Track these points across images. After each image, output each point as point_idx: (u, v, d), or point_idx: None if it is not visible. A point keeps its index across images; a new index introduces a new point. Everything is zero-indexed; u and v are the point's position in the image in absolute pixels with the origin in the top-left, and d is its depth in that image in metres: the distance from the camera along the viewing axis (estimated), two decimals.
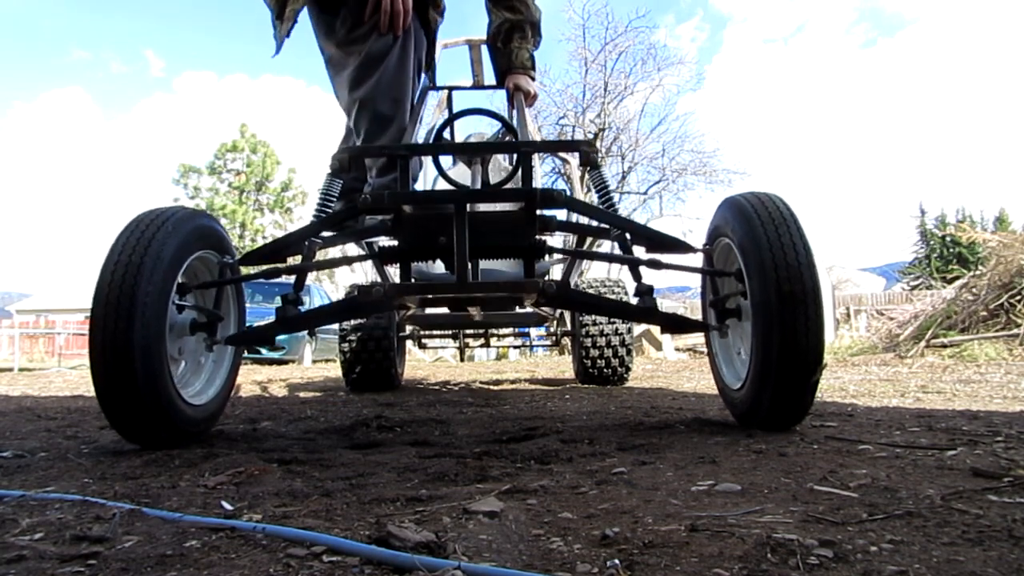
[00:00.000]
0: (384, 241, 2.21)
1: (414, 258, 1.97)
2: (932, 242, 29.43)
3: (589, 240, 2.54)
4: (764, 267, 1.67)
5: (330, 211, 2.11)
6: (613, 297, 4.08)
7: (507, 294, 2.14)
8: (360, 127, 2.27)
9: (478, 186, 2.11)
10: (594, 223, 2.14)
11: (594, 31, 19.67)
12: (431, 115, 3.36)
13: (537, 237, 1.94)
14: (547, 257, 2.36)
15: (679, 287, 21.95)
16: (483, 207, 2.02)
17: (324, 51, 2.35)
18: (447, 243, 1.83)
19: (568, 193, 2.09)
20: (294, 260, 2.05)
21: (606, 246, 2.46)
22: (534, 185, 2.00)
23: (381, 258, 2.11)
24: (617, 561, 0.82)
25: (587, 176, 2.32)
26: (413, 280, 2.08)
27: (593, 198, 2.53)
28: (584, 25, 19.31)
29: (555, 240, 3.22)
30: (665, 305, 17.94)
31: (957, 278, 7.11)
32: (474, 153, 2.21)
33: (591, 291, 4.15)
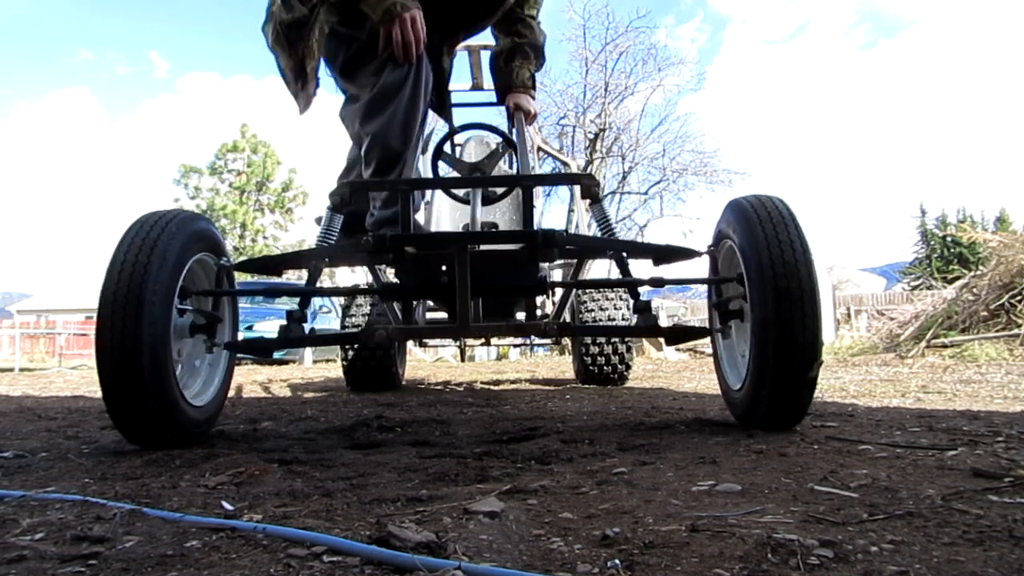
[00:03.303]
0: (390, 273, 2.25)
1: (417, 297, 1.99)
2: (933, 242, 29.42)
3: (588, 263, 2.59)
4: (761, 265, 1.68)
5: (332, 242, 2.12)
6: (613, 309, 4.10)
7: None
8: (371, 160, 2.26)
9: (479, 204, 2.12)
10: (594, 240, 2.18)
11: (595, 31, 19.70)
12: (432, 117, 3.37)
13: (539, 275, 1.97)
14: (546, 264, 2.38)
15: (681, 287, 21.93)
16: (485, 246, 2.03)
17: (338, 82, 2.34)
18: (448, 281, 1.84)
19: (567, 218, 2.15)
20: (288, 273, 2.08)
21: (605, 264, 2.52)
22: (536, 215, 2.03)
23: (383, 296, 2.14)
24: (618, 561, 0.82)
25: (589, 209, 2.35)
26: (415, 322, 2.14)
27: (594, 227, 2.56)
28: (585, 25, 19.34)
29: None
30: (667, 305, 17.97)
31: (958, 278, 7.11)
32: (475, 186, 2.21)
33: (592, 302, 4.17)
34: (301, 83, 2.23)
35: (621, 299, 4.15)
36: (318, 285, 2.16)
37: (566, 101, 19.90)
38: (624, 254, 2.06)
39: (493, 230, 2.06)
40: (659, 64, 19.96)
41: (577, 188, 2.45)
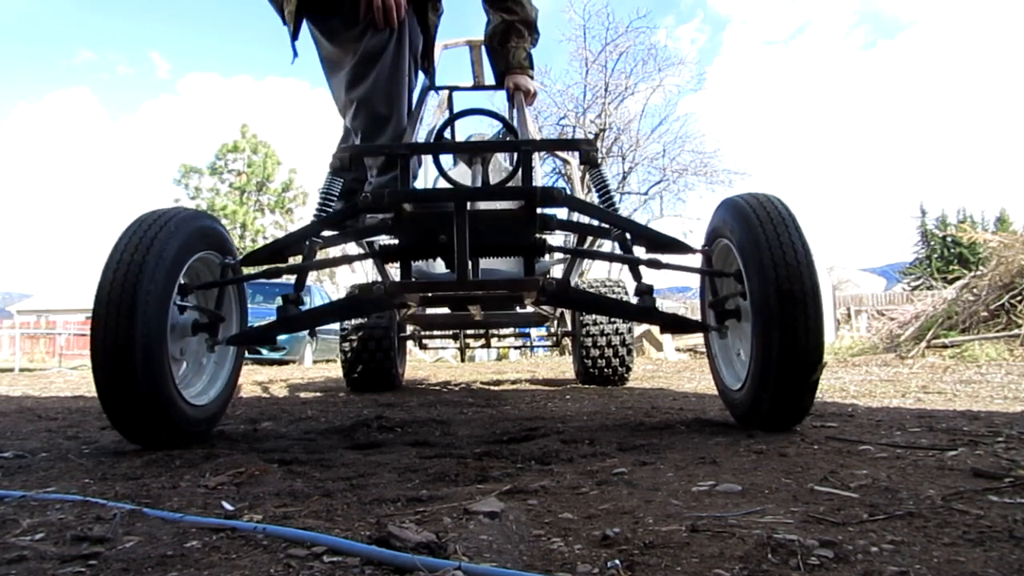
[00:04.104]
0: (385, 240, 2.21)
1: (414, 256, 1.97)
2: (933, 242, 29.41)
3: (589, 240, 2.55)
4: (763, 267, 1.67)
5: (330, 210, 2.11)
6: (613, 297, 4.09)
7: (507, 292, 2.14)
8: (358, 127, 2.26)
9: (479, 185, 2.11)
10: (595, 223, 2.15)
11: (595, 32, 19.69)
12: (432, 116, 3.36)
13: (537, 236, 1.94)
14: (547, 257, 2.36)
15: (679, 287, 21.92)
16: (483, 205, 2.02)
17: (320, 52, 2.34)
18: (447, 241, 1.83)
19: (568, 192, 2.10)
20: (295, 260, 2.05)
21: (606, 246, 2.46)
22: (534, 184, 2.00)
23: (382, 256, 2.11)
24: (618, 561, 0.82)
25: (587, 176, 2.33)
26: (413, 279, 2.09)
27: (593, 198, 2.53)
28: (585, 26, 19.33)
29: (555, 239, 3.23)
30: (665, 305, 17.94)
31: (958, 278, 7.11)
32: (474, 152, 2.21)
33: (591, 291, 4.15)
34: (287, 24, 2.23)
35: (622, 297, 4.15)
36: (319, 284, 2.15)
37: (566, 101, 19.93)
38: (627, 235, 2.04)
39: (492, 185, 2.03)
40: (659, 64, 19.98)
41: (577, 180, 2.44)
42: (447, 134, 2.87)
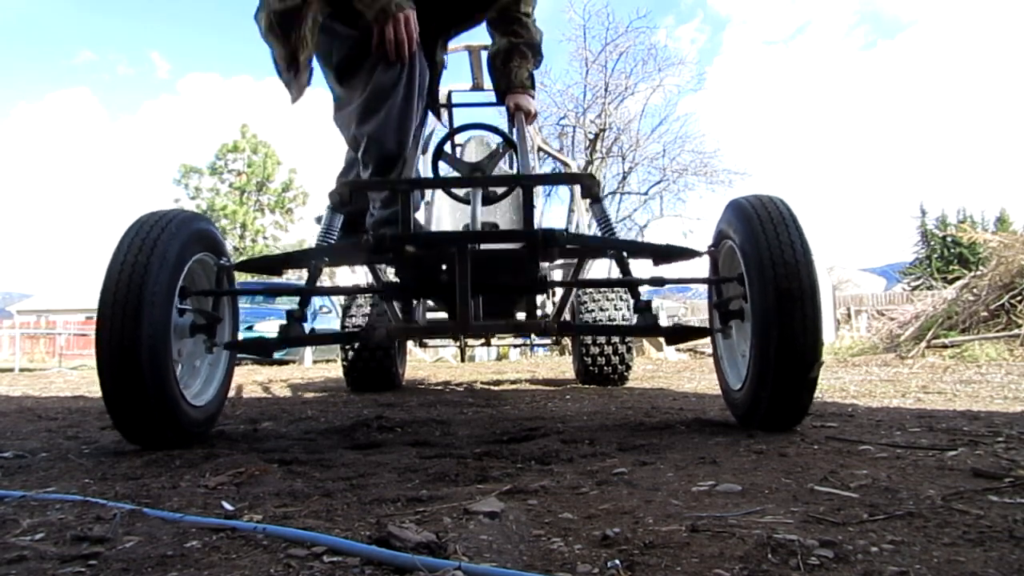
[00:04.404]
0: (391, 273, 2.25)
1: (417, 296, 2.00)
2: (933, 242, 29.40)
3: (589, 263, 2.60)
4: (762, 265, 1.68)
5: (332, 241, 2.12)
6: (613, 309, 4.11)
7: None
8: (368, 161, 2.25)
9: (479, 204, 2.12)
10: (596, 235, 2.18)
11: (595, 31, 19.66)
12: (432, 120, 3.36)
13: (539, 274, 1.98)
14: (547, 263, 2.37)
15: (681, 287, 21.93)
16: (486, 245, 2.03)
17: (329, 83, 2.34)
18: (449, 280, 1.85)
19: (567, 218, 2.15)
20: (288, 273, 2.08)
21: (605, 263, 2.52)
22: (536, 215, 2.03)
23: (384, 295, 2.14)
24: (618, 561, 0.82)
25: (590, 208, 2.36)
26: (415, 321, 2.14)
27: (594, 226, 2.56)
28: (585, 25, 19.31)
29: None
30: (667, 305, 17.97)
31: (958, 278, 7.11)
32: (475, 186, 2.21)
33: (593, 302, 4.17)
34: (294, 72, 2.22)
35: (621, 299, 4.15)
36: (318, 285, 2.16)
37: (566, 101, 19.90)
38: (624, 253, 2.06)
39: (494, 229, 2.07)
40: (659, 64, 19.95)
41: (577, 187, 2.45)
42: (447, 148, 2.89)
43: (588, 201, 2.31)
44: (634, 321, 2.00)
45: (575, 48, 19.73)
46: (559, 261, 3.18)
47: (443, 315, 3.58)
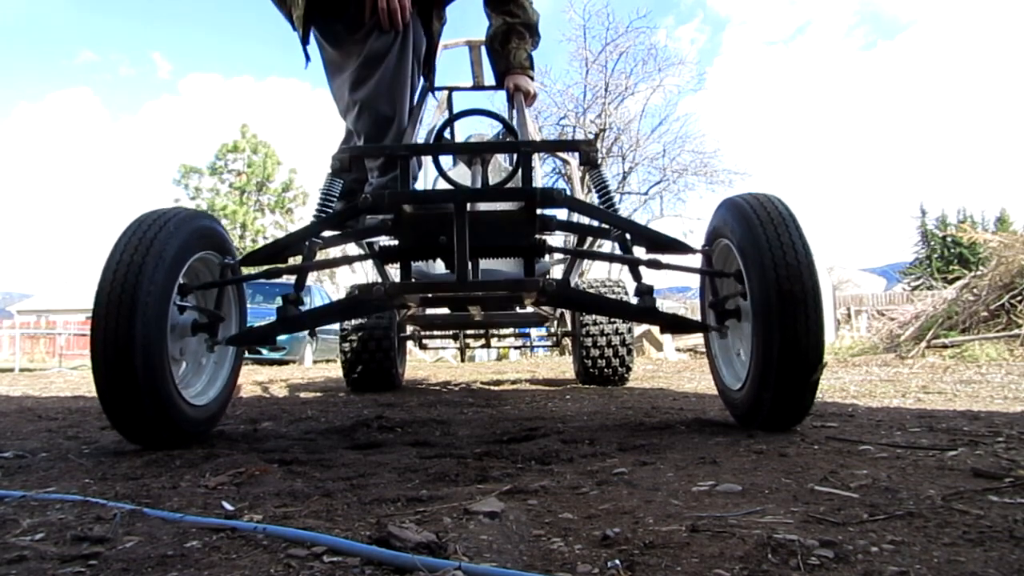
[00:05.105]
0: (385, 241, 2.21)
1: (414, 257, 1.97)
2: (933, 242, 29.41)
3: (589, 240, 2.55)
4: (764, 267, 1.68)
5: (331, 211, 2.11)
6: (613, 297, 4.09)
7: (507, 293, 2.14)
8: (360, 128, 2.26)
9: (478, 186, 2.12)
10: (595, 223, 2.15)
11: (595, 32, 19.66)
12: (431, 116, 3.36)
13: (537, 236, 1.94)
14: (547, 257, 2.35)
15: (679, 287, 21.92)
16: (483, 206, 2.02)
17: (324, 56, 2.35)
18: (447, 242, 1.83)
19: (568, 193, 2.10)
20: (295, 260, 2.05)
21: (606, 246, 2.46)
22: (534, 185, 2.01)
23: (381, 257, 2.11)
24: (618, 561, 0.82)
25: (587, 176, 2.33)
26: (413, 280, 2.09)
27: (593, 199, 2.53)
28: (585, 26, 19.31)
29: (555, 240, 3.23)
30: (666, 306, 17.94)
31: (958, 278, 7.11)
32: (474, 153, 2.21)
33: (591, 291, 4.15)
34: (296, 30, 2.24)
35: (622, 298, 4.15)
36: (319, 284, 2.15)
37: (566, 101, 19.91)
38: (627, 236, 2.04)
39: (492, 185, 2.04)
40: (659, 65, 19.95)
41: (577, 181, 2.43)
42: (447, 135, 2.88)
43: (587, 167, 2.28)
44: (634, 303, 1.97)
45: (575, 48, 19.75)
46: (559, 256, 3.18)
47: (444, 310, 3.58)
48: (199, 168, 28.26)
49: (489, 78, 3.25)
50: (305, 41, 2.26)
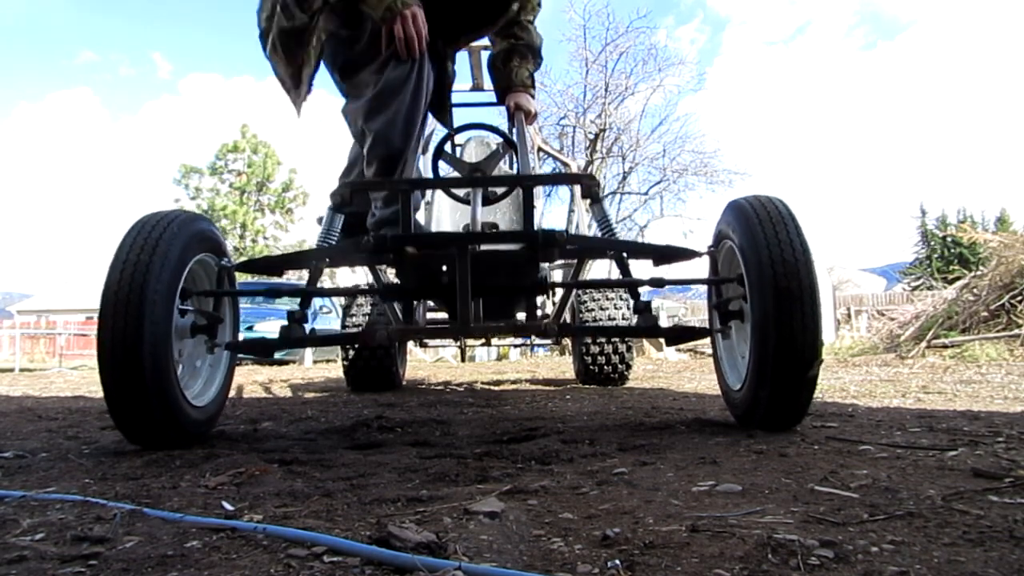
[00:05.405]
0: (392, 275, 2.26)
1: (417, 297, 2.00)
2: (933, 242, 29.40)
3: (589, 263, 2.61)
4: (761, 264, 1.68)
5: (333, 242, 2.13)
6: (613, 309, 4.11)
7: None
8: (373, 157, 2.25)
9: (479, 204, 2.12)
10: (596, 234, 2.18)
11: (595, 32, 19.66)
12: (431, 119, 3.36)
13: (539, 275, 1.98)
14: (547, 264, 2.36)
15: (681, 288, 21.91)
16: (486, 246, 2.03)
17: (339, 82, 2.34)
18: (449, 281, 1.85)
19: (567, 218, 2.15)
20: (289, 272, 2.08)
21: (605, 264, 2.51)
22: (536, 215, 2.04)
23: (384, 296, 2.14)
24: (618, 562, 0.82)
25: (590, 208, 2.36)
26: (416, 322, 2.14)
27: (595, 227, 2.56)
28: (585, 26, 19.31)
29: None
30: (667, 306, 17.96)
31: (958, 279, 7.11)
32: (475, 186, 2.21)
33: (593, 302, 4.17)
34: (297, 87, 2.24)
35: (621, 299, 4.15)
36: (319, 285, 2.16)
37: (566, 101, 19.90)
38: (624, 254, 2.07)
39: (494, 230, 2.07)
40: (659, 65, 19.95)
41: (578, 188, 2.44)
42: (447, 148, 2.88)
43: (588, 201, 2.31)
44: (634, 322, 2.00)
45: (575, 48, 19.75)
46: (559, 262, 3.18)
47: (444, 315, 3.59)
48: (199, 168, 28.28)
49: (488, 80, 3.25)
50: (308, 93, 2.26)
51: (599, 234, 2.28)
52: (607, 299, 4.18)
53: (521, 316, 2.52)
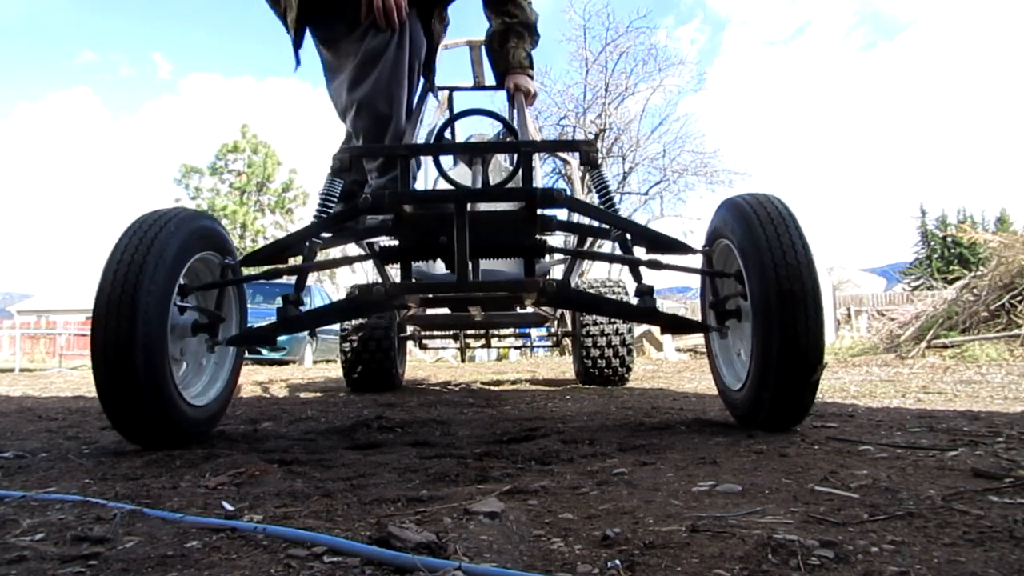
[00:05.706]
0: (385, 241, 2.21)
1: (415, 257, 1.97)
2: (933, 243, 29.39)
3: (589, 240, 2.55)
4: (764, 267, 1.68)
5: (331, 212, 2.11)
6: (613, 297, 4.09)
7: (508, 293, 2.15)
8: (359, 128, 2.26)
9: (479, 186, 2.12)
10: (595, 223, 2.15)
11: (595, 32, 19.68)
12: (432, 116, 3.36)
13: (537, 237, 1.94)
14: (548, 257, 2.34)
15: (680, 288, 21.92)
16: (484, 206, 2.02)
17: (321, 56, 2.35)
18: (447, 243, 1.83)
19: (568, 193, 2.10)
20: (295, 261, 2.05)
21: (607, 246, 2.46)
22: (534, 185, 2.01)
23: (381, 258, 2.11)
24: (618, 562, 0.82)
25: (588, 177, 2.34)
26: (414, 280, 2.09)
27: (594, 199, 2.53)
28: (585, 26, 19.32)
29: (555, 240, 3.23)
30: (666, 306, 17.94)
31: (958, 279, 7.10)
32: (475, 153, 2.20)
33: (591, 291, 4.15)
34: (290, 34, 2.25)
35: (622, 298, 4.15)
36: (319, 284, 2.15)
37: (566, 101, 19.92)
38: (628, 236, 2.04)
39: (493, 186, 2.04)
40: (659, 65, 19.97)
41: (577, 181, 2.43)
42: (447, 135, 2.87)
43: (587, 167, 2.28)
44: (635, 303, 1.97)
45: (575, 48, 19.76)
46: (559, 257, 3.18)
47: (444, 310, 3.58)
48: (199, 168, 28.26)
49: (490, 78, 3.25)
50: (298, 44, 2.27)
51: (598, 202, 2.26)
52: (613, 293, 4.18)
53: (521, 317, 2.51)
